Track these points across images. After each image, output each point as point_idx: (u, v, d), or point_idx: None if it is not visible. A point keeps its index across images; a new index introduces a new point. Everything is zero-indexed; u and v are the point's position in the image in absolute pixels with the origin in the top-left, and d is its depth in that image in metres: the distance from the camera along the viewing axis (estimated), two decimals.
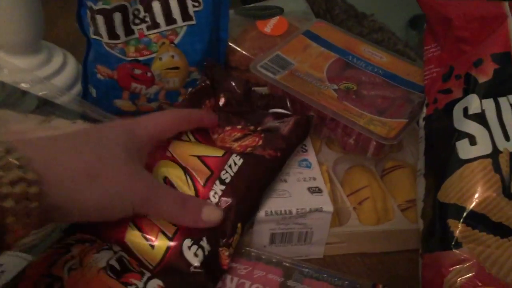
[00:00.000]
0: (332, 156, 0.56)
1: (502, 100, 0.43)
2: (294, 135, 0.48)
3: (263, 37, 0.64)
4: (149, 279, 0.35)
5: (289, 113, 0.50)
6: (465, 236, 0.41)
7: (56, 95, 0.60)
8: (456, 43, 0.47)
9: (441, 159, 0.44)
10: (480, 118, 0.43)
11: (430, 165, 0.46)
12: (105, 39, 0.55)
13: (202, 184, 0.42)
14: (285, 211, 0.47)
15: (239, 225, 0.41)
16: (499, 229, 0.41)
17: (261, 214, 0.47)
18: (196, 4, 0.57)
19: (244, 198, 0.42)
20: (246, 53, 0.63)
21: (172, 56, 0.57)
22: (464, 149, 0.43)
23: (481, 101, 0.43)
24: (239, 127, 0.47)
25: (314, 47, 0.57)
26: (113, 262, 0.35)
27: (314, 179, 0.51)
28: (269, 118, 0.50)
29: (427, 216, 0.45)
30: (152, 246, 0.38)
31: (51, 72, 0.62)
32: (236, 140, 0.46)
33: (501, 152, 0.42)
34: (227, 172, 0.43)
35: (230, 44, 0.63)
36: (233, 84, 0.52)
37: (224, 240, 0.40)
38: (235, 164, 0.43)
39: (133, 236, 0.38)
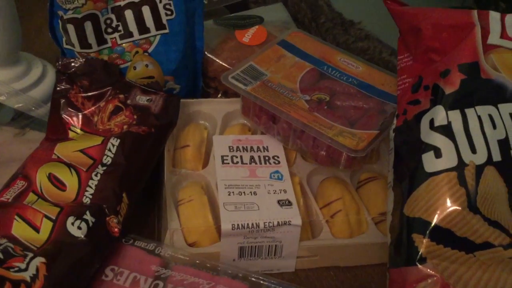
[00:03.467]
0: (307, 168, 0.55)
1: (469, 112, 0.42)
2: (165, 113, 0.53)
3: (241, 47, 0.64)
4: (31, 258, 0.38)
5: (154, 90, 0.54)
6: (430, 252, 0.40)
7: (32, 107, 0.60)
8: (426, 53, 0.46)
9: (409, 172, 0.43)
10: (446, 130, 0.42)
11: (398, 177, 0.45)
12: (77, 48, 0.55)
13: (84, 170, 0.46)
14: (252, 225, 0.47)
15: (124, 194, 0.45)
16: (464, 245, 0.39)
17: (228, 227, 0.46)
18: (169, 12, 0.57)
19: (125, 170, 0.47)
20: (224, 64, 0.62)
21: (147, 65, 0.57)
22: (429, 162, 0.42)
23: (447, 113, 0.42)
24: (110, 98, 0.52)
25: (288, 57, 0.57)
26: None
27: (285, 191, 0.50)
28: (136, 90, 0.54)
29: (394, 230, 0.44)
30: (38, 231, 0.41)
31: (29, 84, 0.62)
32: (112, 114, 0.51)
33: (467, 165, 0.40)
34: (107, 156, 0.47)
35: (208, 54, 0.63)
36: (90, 65, 0.54)
37: (110, 209, 0.43)
38: (113, 145, 0.48)
39: (20, 227, 0.41)
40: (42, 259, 0.38)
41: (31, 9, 0.80)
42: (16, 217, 0.41)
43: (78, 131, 0.52)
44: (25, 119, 0.59)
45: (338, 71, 0.56)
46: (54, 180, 0.45)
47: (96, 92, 0.52)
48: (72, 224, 0.41)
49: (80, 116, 0.51)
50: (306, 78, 0.54)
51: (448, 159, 0.41)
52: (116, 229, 0.43)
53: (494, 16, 0.44)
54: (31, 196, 0.44)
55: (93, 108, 0.52)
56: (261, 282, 0.45)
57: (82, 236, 0.41)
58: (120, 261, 0.44)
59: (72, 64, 0.53)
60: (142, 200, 0.52)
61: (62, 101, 0.52)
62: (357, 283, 0.51)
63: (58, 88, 0.52)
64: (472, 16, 0.44)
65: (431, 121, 0.43)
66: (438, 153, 0.41)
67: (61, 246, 0.40)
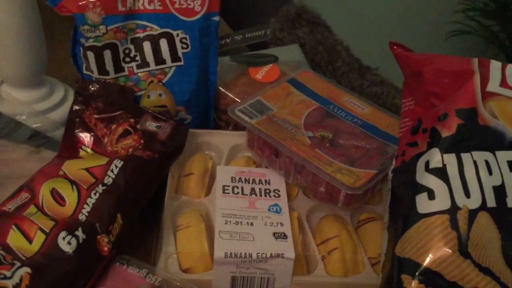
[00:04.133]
0: (307, 204, 0.55)
1: (465, 157, 0.42)
2: (171, 140, 0.54)
3: (253, 83, 0.66)
4: (18, 268, 0.39)
5: (165, 118, 0.56)
6: None
7: (49, 128, 0.63)
8: (427, 97, 0.47)
9: (403, 212, 0.43)
10: (441, 172, 0.42)
11: (393, 217, 0.45)
12: (96, 74, 0.58)
13: (85, 188, 0.48)
14: (245, 254, 0.47)
15: (119, 215, 0.46)
16: None
17: (220, 254, 0.47)
18: (185, 46, 0.59)
19: (123, 192, 0.48)
20: (236, 98, 0.64)
21: (160, 95, 0.60)
22: (422, 203, 0.42)
23: (442, 156, 0.42)
24: (121, 121, 0.54)
25: (296, 94, 0.58)
26: None
27: (282, 224, 0.50)
28: (148, 116, 0.56)
29: (385, 270, 0.44)
30: (31, 242, 0.42)
31: (50, 106, 0.65)
32: (120, 137, 0.53)
33: (460, 208, 0.40)
34: (109, 176, 0.49)
35: (221, 88, 0.65)
36: (106, 89, 0.56)
37: (103, 228, 0.44)
38: (116, 167, 0.50)
39: (15, 237, 0.43)
40: (28, 269, 0.39)
41: (62, 38, 0.84)
42: (13, 226, 0.43)
43: (89, 150, 0.54)
44: (41, 138, 0.61)
45: (344, 111, 0.57)
46: (56, 195, 0.47)
47: (109, 115, 0.54)
48: (63, 239, 0.42)
49: (92, 137, 0.53)
50: (311, 116, 0.56)
51: (441, 202, 0.41)
52: (105, 248, 0.44)
53: (495, 65, 0.45)
54: (31, 208, 0.45)
55: (104, 129, 0.54)
56: None
57: (71, 252, 0.42)
58: (112, 282, 0.45)
59: (90, 86, 0.56)
60: (144, 220, 0.53)
61: (77, 120, 0.54)
62: None
63: (74, 108, 0.55)
64: (472, 64, 0.45)
65: (427, 163, 0.43)
66: (431, 195, 0.41)
67: (49, 259, 0.41)
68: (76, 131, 0.54)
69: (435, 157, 0.43)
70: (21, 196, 0.47)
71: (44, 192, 0.47)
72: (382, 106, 0.61)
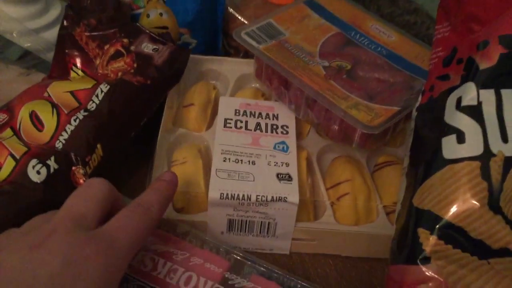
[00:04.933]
0: (319, 144, 0.50)
1: (506, 94, 0.35)
2: (168, 66, 0.48)
3: (268, 5, 0.58)
4: None
5: (164, 40, 0.49)
6: (436, 251, 0.34)
7: (42, 48, 0.57)
8: (466, 22, 0.39)
9: (425, 157, 0.37)
10: (475, 111, 0.35)
11: (413, 162, 0.39)
12: None
13: (66, 112, 0.43)
14: (243, 196, 0.42)
15: (99, 145, 0.42)
16: (478, 248, 0.33)
17: (215, 195, 0.42)
18: None
19: (106, 120, 0.43)
20: (246, 22, 0.57)
21: (161, 14, 0.53)
22: (450, 147, 0.35)
23: (478, 92, 0.35)
24: (114, 41, 0.48)
25: (313, 18, 0.51)
26: None
27: (287, 165, 0.45)
28: (145, 36, 0.49)
29: (400, 221, 0.38)
30: (0, 168, 0.38)
31: (44, 24, 0.59)
32: (111, 59, 0.47)
33: (494, 155, 0.34)
34: (93, 102, 0.44)
35: (231, 10, 0.58)
36: (101, 4, 0.50)
37: (79, 158, 0.40)
38: (102, 92, 0.44)
39: None
40: None
41: None
42: None
43: (80, 72, 0.48)
44: (33, 59, 0.56)
45: (367, 38, 0.49)
46: (34, 118, 0.42)
47: (101, 33, 0.48)
48: (33, 167, 0.38)
49: (82, 57, 0.48)
50: (329, 43, 0.48)
51: (472, 146, 0.34)
52: (81, 181, 0.39)
53: None
54: (7, 132, 0.41)
55: (97, 49, 0.48)
56: (245, 261, 0.40)
57: (39, 182, 0.37)
58: None
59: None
60: (138, 154, 0.49)
61: (67, 38, 0.49)
62: (357, 276, 0.45)
63: (64, 24, 0.49)
64: None
65: (459, 100, 0.36)
66: (461, 138, 0.35)
67: (15, 188, 0.37)
68: (66, 50, 0.49)
69: (470, 93, 0.35)
70: None
71: (23, 115, 0.42)
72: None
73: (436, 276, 0.34)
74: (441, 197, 0.35)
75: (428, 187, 0.35)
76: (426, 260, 0.34)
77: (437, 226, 0.34)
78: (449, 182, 0.34)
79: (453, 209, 0.34)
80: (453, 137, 0.35)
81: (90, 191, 0.33)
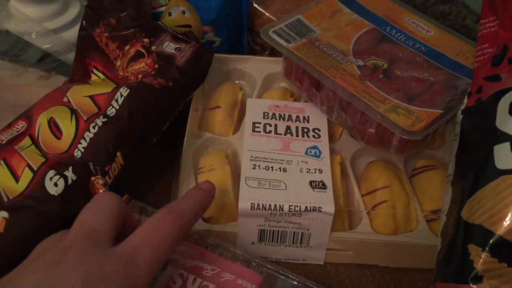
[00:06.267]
0: (353, 147, 0.47)
1: None
2: (191, 67, 0.45)
3: (295, 0, 0.55)
4: None
5: (186, 39, 0.47)
6: (488, 269, 0.31)
7: (61, 50, 0.55)
8: None
9: (475, 166, 0.34)
10: None
11: (460, 171, 0.36)
12: None
13: (85, 119, 0.41)
14: (275, 206, 0.39)
15: (118, 153, 0.40)
16: None
17: (246, 205, 0.40)
18: None
19: (126, 126, 0.41)
20: (273, 17, 0.54)
21: (183, 12, 0.51)
22: (503, 156, 0.32)
23: None
24: (134, 41, 0.46)
25: (345, 13, 0.48)
26: None
27: (320, 171, 0.42)
28: (166, 35, 0.47)
29: (447, 235, 0.35)
30: (17, 180, 0.37)
31: (63, 24, 0.57)
32: (131, 60, 0.45)
33: None
34: (113, 107, 0.42)
35: (256, 6, 0.55)
36: (120, 2, 0.48)
37: (98, 168, 0.38)
38: (122, 96, 0.42)
39: (2, 173, 0.38)
40: (5, 214, 0.34)
41: None
42: (1, 162, 0.38)
43: (101, 75, 0.46)
44: (53, 61, 0.55)
45: (404, 33, 0.46)
46: (53, 125, 0.40)
47: (121, 33, 0.46)
48: (51, 179, 0.36)
49: (103, 59, 0.46)
50: (363, 40, 0.46)
51: None
52: (101, 191, 0.38)
53: None
54: (26, 141, 0.40)
55: (117, 51, 0.46)
56: (277, 275, 0.38)
57: (56, 194, 0.36)
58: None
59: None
60: (163, 160, 0.47)
61: (87, 39, 0.47)
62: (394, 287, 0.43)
63: (83, 25, 0.47)
64: None
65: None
66: None
67: (32, 202, 0.35)
68: (86, 52, 0.47)
69: None
70: (17, 125, 0.41)
71: (41, 122, 0.41)
72: None
73: None
74: (494, 211, 0.32)
75: (479, 200, 0.33)
76: (478, 279, 0.31)
77: (490, 242, 0.31)
78: (502, 194, 0.32)
79: (507, 223, 0.31)
80: (506, 145, 0.32)
81: (100, 205, 0.32)
